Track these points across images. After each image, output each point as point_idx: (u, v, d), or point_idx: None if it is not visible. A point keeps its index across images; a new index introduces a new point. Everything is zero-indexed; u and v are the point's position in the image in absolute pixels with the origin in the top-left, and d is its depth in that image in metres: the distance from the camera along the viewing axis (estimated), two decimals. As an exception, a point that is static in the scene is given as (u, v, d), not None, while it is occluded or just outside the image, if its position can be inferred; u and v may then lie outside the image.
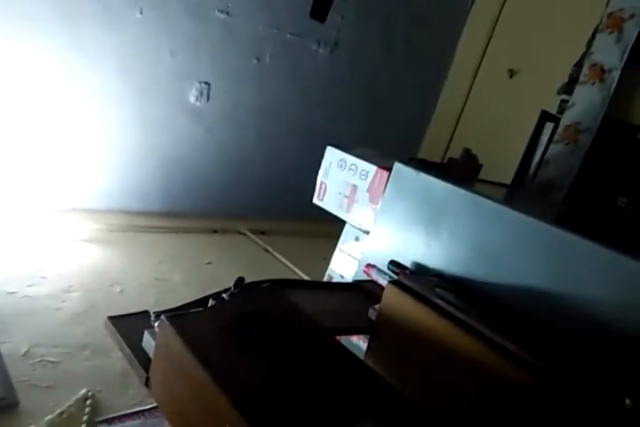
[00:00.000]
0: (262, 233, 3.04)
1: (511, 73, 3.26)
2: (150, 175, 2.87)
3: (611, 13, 2.53)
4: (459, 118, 3.55)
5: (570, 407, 0.87)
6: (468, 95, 3.52)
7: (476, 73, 3.49)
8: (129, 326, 1.05)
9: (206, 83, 2.87)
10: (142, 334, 1.01)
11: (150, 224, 2.75)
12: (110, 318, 1.11)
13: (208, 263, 2.51)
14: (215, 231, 2.94)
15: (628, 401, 0.79)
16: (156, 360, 0.93)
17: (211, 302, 1.06)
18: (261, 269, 2.50)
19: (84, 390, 1.43)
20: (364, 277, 1.47)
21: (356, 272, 1.57)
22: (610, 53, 2.53)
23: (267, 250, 2.84)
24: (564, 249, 1.11)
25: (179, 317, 0.94)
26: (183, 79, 2.80)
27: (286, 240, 3.01)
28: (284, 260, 2.73)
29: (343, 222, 1.73)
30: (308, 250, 2.83)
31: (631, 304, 1.00)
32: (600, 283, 1.05)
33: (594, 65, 2.56)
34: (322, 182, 1.78)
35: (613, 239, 1.27)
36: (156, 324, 0.96)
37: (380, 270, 1.42)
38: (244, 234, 3.00)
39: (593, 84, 2.55)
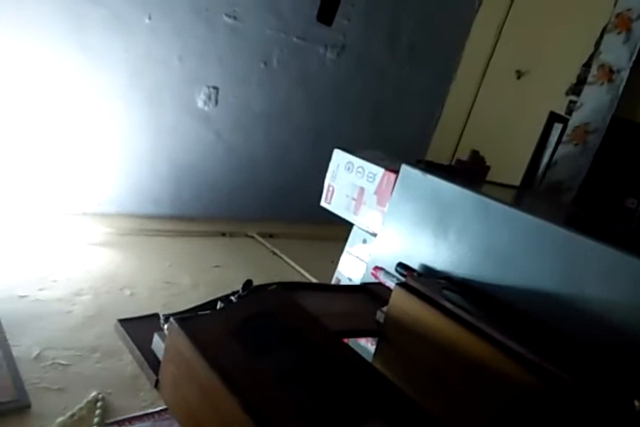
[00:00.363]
0: (270, 236, 3.04)
1: (519, 74, 3.25)
2: (160, 179, 2.89)
3: (619, 13, 2.52)
4: (466, 120, 3.54)
5: (579, 410, 0.87)
6: (475, 97, 3.51)
7: (484, 74, 3.48)
8: (139, 328, 1.06)
9: (214, 87, 2.88)
10: (152, 336, 1.01)
11: (160, 228, 2.77)
12: (120, 320, 1.12)
13: (217, 266, 2.52)
14: (224, 235, 2.95)
15: (637, 403, 0.78)
16: (165, 363, 0.94)
17: (219, 305, 1.07)
18: (270, 272, 2.50)
19: (94, 393, 1.44)
20: (372, 280, 1.48)
21: (363, 275, 1.58)
22: (618, 54, 2.52)
23: (275, 253, 2.85)
24: (574, 251, 1.11)
25: (188, 319, 0.95)
26: (192, 84, 2.82)
27: (294, 243, 3.02)
28: (292, 263, 2.74)
29: (351, 225, 1.73)
30: (316, 253, 2.83)
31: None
32: (610, 285, 1.05)
33: (602, 65, 2.55)
34: (329, 185, 1.79)
35: (623, 241, 1.26)
36: (166, 326, 0.97)
37: (387, 273, 1.42)
38: (253, 237, 3.01)
39: (601, 84, 2.54)
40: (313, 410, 0.79)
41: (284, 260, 2.78)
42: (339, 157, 1.75)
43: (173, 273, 2.34)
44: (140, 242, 2.58)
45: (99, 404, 1.40)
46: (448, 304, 1.13)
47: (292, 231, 3.15)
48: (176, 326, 0.92)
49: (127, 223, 2.71)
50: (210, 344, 0.88)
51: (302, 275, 2.62)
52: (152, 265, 2.38)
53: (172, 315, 0.99)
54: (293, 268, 2.70)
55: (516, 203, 1.58)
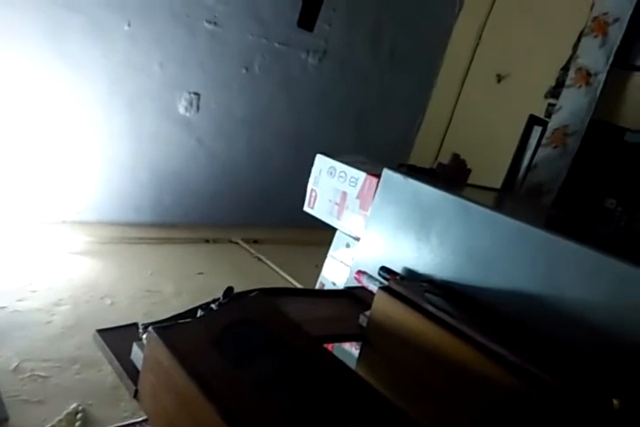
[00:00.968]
0: (254, 242, 3.03)
1: (499, 78, 3.28)
2: (141, 186, 2.86)
3: (595, 17, 2.55)
4: (448, 124, 3.57)
5: (561, 411, 0.87)
6: (456, 101, 3.54)
7: (465, 78, 3.51)
8: (118, 338, 1.05)
9: (196, 93, 2.87)
10: (131, 346, 1.00)
11: (141, 235, 2.74)
12: (99, 331, 1.10)
13: (200, 273, 2.49)
14: (207, 241, 2.93)
15: (615, 402, 0.78)
16: (144, 372, 0.92)
17: (199, 313, 1.05)
18: (254, 278, 2.49)
19: (74, 404, 1.41)
20: (356, 284, 1.47)
21: (347, 279, 1.57)
22: (595, 57, 2.55)
23: (259, 259, 2.83)
24: (554, 253, 1.12)
25: (166, 328, 0.94)
26: (173, 90, 2.80)
27: (278, 248, 3.01)
28: (276, 268, 2.73)
29: (334, 229, 1.73)
30: (300, 258, 2.82)
31: (621, 306, 1.00)
32: (590, 286, 1.05)
33: (579, 69, 2.58)
34: (312, 190, 1.78)
35: (603, 242, 1.27)
36: (144, 336, 0.96)
37: (370, 277, 1.42)
38: (236, 243, 2.99)
39: (579, 87, 2.57)
40: (293, 417, 0.77)
41: (268, 265, 2.77)
42: (321, 162, 1.75)
43: (155, 281, 2.31)
44: (120, 250, 2.55)
45: (79, 415, 1.38)
46: (430, 307, 1.13)
47: (276, 237, 3.14)
48: (155, 335, 0.90)
49: (108, 231, 2.68)
50: (189, 353, 0.87)
51: (287, 280, 2.61)
52: (133, 273, 2.35)
53: (151, 324, 0.97)
54: (278, 273, 2.68)
55: (497, 206, 1.59)
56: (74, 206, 2.69)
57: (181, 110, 2.85)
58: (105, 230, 2.68)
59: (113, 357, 1.01)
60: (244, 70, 2.98)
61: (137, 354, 0.98)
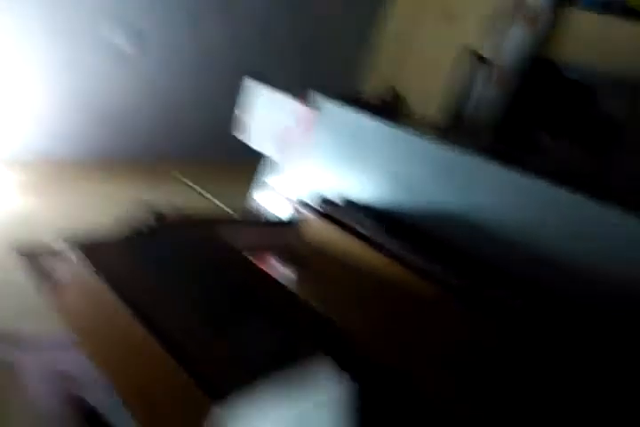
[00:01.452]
0: (196, 176, 2.99)
1: (447, 15, 3.24)
2: (79, 123, 2.75)
3: (540, -46, 2.53)
4: (396, 61, 3.53)
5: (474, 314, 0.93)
6: (404, 35, 3.48)
7: (413, 13, 3.45)
8: (41, 256, 1.04)
9: (138, 30, 2.73)
10: (55, 264, 0.99)
11: (79, 173, 2.67)
12: (24, 252, 1.08)
13: (139, 208, 2.44)
14: (148, 177, 2.87)
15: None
16: (65, 287, 0.93)
17: (127, 235, 1.05)
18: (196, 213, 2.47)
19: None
20: (294, 213, 1.49)
21: (285, 208, 1.59)
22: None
23: (201, 193, 2.81)
24: (478, 176, 1.16)
25: (91, 246, 0.93)
26: (114, 27, 2.66)
27: (220, 182, 2.97)
28: (217, 202, 2.72)
29: (273, 161, 1.72)
30: (241, 191, 2.80)
31: (534, 221, 1.06)
32: (509, 203, 1.11)
33: (523, 7, 2.59)
34: (248, 121, 1.76)
35: (524, 165, 1.32)
36: (69, 252, 0.95)
37: (308, 205, 1.43)
38: (178, 178, 2.95)
39: (523, 25, 2.58)
40: (221, 328, 0.80)
41: (209, 199, 2.75)
42: (257, 92, 1.72)
43: (93, 218, 2.25)
44: (58, 188, 2.48)
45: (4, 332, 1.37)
46: (364, 231, 1.17)
47: (218, 170, 3.09)
48: (79, 251, 0.90)
49: (45, 169, 2.58)
50: (110, 270, 0.87)
51: (229, 213, 2.59)
52: (71, 210, 2.29)
53: (76, 241, 0.96)
54: (219, 207, 2.67)
55: (429, 135, 1.62)
56: (10, 145, 2.57)
57: (122, 46, 2.72)
58: (42, 169, 2.58)
59: (36, 272, 1.00)
60: (187, 7, 2.84)
61: (58, 267, 0.97)
